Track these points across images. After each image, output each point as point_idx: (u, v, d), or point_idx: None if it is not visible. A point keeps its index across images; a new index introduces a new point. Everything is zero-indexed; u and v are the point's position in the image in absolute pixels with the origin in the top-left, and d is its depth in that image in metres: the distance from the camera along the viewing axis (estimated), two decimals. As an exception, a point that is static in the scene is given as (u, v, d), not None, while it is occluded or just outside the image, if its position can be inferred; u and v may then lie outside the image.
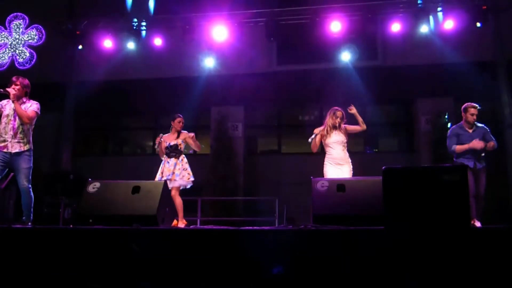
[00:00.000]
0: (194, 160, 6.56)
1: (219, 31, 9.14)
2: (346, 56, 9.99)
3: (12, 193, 8.38)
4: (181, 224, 6.06)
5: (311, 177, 4.41)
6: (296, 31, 9.77)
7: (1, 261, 3.49)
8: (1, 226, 3.88)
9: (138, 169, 10.31)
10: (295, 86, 11.76)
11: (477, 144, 5.65)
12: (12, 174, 5.56)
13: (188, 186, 6.27)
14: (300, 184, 10.68)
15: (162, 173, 6.14)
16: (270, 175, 12.08)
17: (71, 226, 4.95)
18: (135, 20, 9.71)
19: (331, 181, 4.46)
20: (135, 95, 11.88)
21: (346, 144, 6.00)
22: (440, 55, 10.76)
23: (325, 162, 5.98)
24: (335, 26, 8.99)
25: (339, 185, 4.29)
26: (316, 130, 6.04)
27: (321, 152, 6.35)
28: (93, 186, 4.56)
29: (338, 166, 5.87)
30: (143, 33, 9.54)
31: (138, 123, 14.04)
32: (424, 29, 9.14)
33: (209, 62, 10.47)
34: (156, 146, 6.25)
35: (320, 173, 5.93)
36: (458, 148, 5.80)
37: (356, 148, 6.64)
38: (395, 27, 9.15)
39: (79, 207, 4.63)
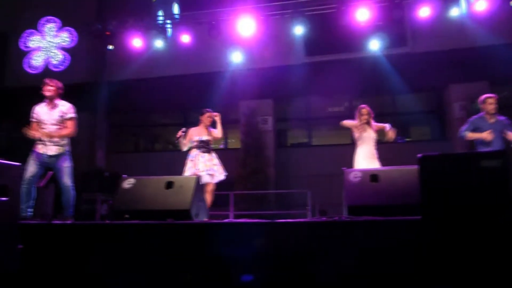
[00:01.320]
0: (224, 154, 6.60)
1: (245, 25, 9.11)
2: (374, 45, 9.81)
3: (50, 191, 8.66)
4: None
5: (343, 168, 4.36)
6: (322, 22, 9.65)
7: (43, 256, 3.60)
8: (42, 222, 4.01)
9: (169, 164, 10.41)
10: (323, 77, 11.64)
11: (487, 135, 5.61)
12: (51, 172, 5.73)
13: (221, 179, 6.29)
14: (331, 175, 10.62)
15: (194, 166, 6.11)
16: (301, 168, 12.03)
17: (107, 221, 5.08)
18: (162, 18, 9.81)
19: (364, 171, 4.40)
20: (164, 92, 12.03)
21: (376, 141, 6.13)
22: (472, 38, 10.41)
23: (356, 156, 6.01)
24: (362, 14, 8.81)
25: (372, 175, 4.22)
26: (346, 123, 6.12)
27: (352, 143, 6.32)
28: (128, 182, 4.64)
29: (369, 160, 5.94)
30: (170, 30, 9.63)
31: (168, 119, 14.23)
32: (454, 12, 8.82)
33: (236, 57, 10.48)
34: (176, 141, 6.22)
35: (351, 165, 5.92)
36: (470, 135, 5.83)
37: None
38: (424, 11, 8.86)
39: (115, 203, 4.72)
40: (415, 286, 2.90)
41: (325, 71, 11.62)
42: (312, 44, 11.62)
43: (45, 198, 8.66)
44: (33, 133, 5.02)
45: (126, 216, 4.45)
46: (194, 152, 6.21)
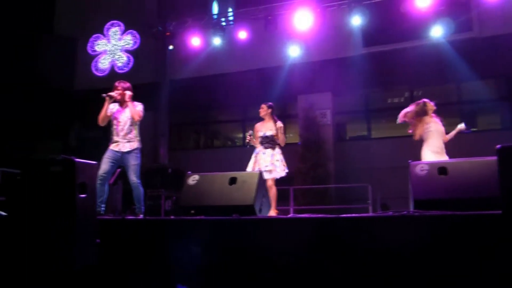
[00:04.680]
0: (283, 149, 6.56)
1: (302, 18, 9.06)
2: (436, 31, 9.39)
3: (119, 188, 9.08)
4: (273, 213, 6.10)
5: (409, 161, 4.22)
6: (381, 11, 9.39)
7: (116, 249, 3.79)
8: (116, 218, 4.22)
9: (229, 160, 10.63)
10: (382, 68, 11.33)
11: None
12: (119, 170, 6.01)
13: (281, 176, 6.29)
14: (393, 168, 10.36)
15: (256, 163, 6.13)
16: (361, 161, 11.80)
17: (172, 217, 5.27)
18: (219, 16, 9.97)
19: (431, 164, 4.23)
20: (223, 89, 12.22)
21: (444, 135, 5.96)
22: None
23: (424, 150, 5.82)
24: (423, 0, 8.48)
25: (440, 167, 4.05)
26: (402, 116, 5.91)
27: (410, 134, 6.13)
28: (193, 179, 4.77)
29: (437, 155, 5.72)
30: (228, 28, 9.77)
31: (227, 116, 14.45)
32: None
33: (293, 51, 10.43)
34: (247, 146, 6.25)
35: (414, 157, 5.71)
36: None
37: (452, 128, 6.18)
38: (492, -8, 8.39)
39: (180, 199, 4.87)
40: (494, 286, 2.77)
41: (384, 61, 11.31)
42: (370, 35, 11.34)
43: (114, 194, 9.12)
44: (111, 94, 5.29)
45: (192, 211, 4.59)
46: (258, 148, 6.24)
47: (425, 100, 6.06)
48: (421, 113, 5.94)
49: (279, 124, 6.27)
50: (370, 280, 3.22)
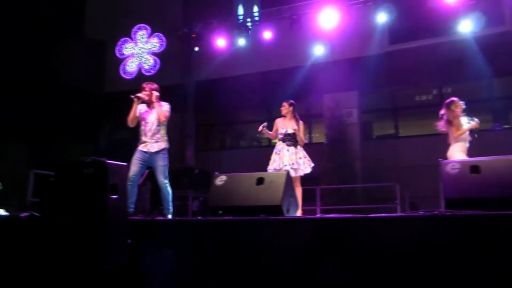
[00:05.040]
0: (309, 149, 6.53)
1: (327, 17, 9.01)
2: (466, 26, 9.16)
3: (147, 188, 9.22)
4: (299, 213, 6.08)
5: (440, 159, 4.14)
6: (407, 7, 9.24)
7: (147, 249, 3.85)
8: (146, 218, 4.29)
9: (255, 161, 10.63)
10: (410, 65, 11.14)
11: None
12: (147, 171, 6.11)
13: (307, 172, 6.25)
14: (421, 167, 10.19)
15: (279, 160, 6.11)
16: (388, 160, 11.64)
17: (199, 217, 5.32)
18: (244, 16, 10.01)
19: (463, 162, 4.14)
20: (248, 89, 12.26)
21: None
22: None
23: (453, 149, 5.72)
24: (453, -6, 8.30)
25: (473, 166, 3.96)
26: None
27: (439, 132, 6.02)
28: (220, 180, 4.80)
29: (465, 154, 5.67)
30: (253, 28, 9.80)
31: (253, 116, 14.47)
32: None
33: (318, 50, 10.38)
34: (258, 135, 6.25)
35: (443, 155, 5.60)
36: None
37: (483, 125, 6.00)
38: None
39: (208, 200, 4.92)
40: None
41: (411, 58, 11.12)
42: (397, 31, 11.15)
43: (142, 195, 9.27)
44: (138, 95, 5.38)
45: (220, 212, 4.62)
46: (280, 145, 6.22)
47: (454, 98, 5.91)
48: (454, 118, 5.80)
49: (298, 121, 6.24)
50: (399, 280, 3.18)
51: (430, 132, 11.34)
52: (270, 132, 6.28)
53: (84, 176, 3.25)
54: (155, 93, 5.47)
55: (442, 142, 5.88)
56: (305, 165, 6.11)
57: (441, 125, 5.97)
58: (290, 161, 6.03)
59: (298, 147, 6.18)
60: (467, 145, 5.76)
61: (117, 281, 3.48)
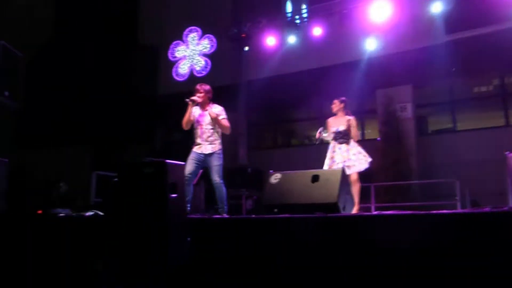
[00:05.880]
0: (362, 145, 6.40)
1: (379, 9, 8.79)
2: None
3: (202, 188, 9.41)
4: (355, 209, 5.98)
5: (507, 152, 3.93)
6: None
7: (206, 247, 3.93)
8: (203, 217, 4.38)
9: (307, 159, 10.55)
10: (468, 55, 10.63)
11: None
12: (201, 170, 6.23)
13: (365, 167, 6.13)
14: (482, 162, 9.72)
15: (331, 158, 6.07)
16: (446, 155, 11.20)
17: (253, 216, 5.36)
18: (290, 13, 9.97)
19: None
20: (299, 87, 12.19)
21: None
22: None
23: None
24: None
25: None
26: None
27: (506, 125, 5.69)
28: (275, 178, 4.83)
29: None
30: (302, 25, 9.74)
31: (304, 114, 14.38)
32: None
33: (370, 44, 10.15)
34: (317, 142, 6.21)
35: (507, 148, 5.30)
36: None
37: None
38: None
39: (262, 198, 4.95)
40: None
41: (469, 48, 10.61)
42: (453, 20, 10.68)
43: (197, 194, 9.47)
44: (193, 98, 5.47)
45: (275, 210, 4.64)
46: (332, 144, 6.17)
47: None
48: None
49: (348, 117, 6.15)
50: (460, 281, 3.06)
51: (491, 124, 10.82)
52: (326, 135, 6.23)
53: (144, 176, 3.36)
54: (208, 95, 5.57)
55: (504, 135, 5.55)
56: (360, 161, 6.00)
57: None
58: (342, 159, 5.97)
59: (351, 143, 6.09)
60: None
61: (178, 277, 3.57)
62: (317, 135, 6.18)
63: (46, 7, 16.20)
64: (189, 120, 5.53)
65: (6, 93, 6.09)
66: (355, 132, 6.13)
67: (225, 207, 5.43)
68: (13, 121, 14.21)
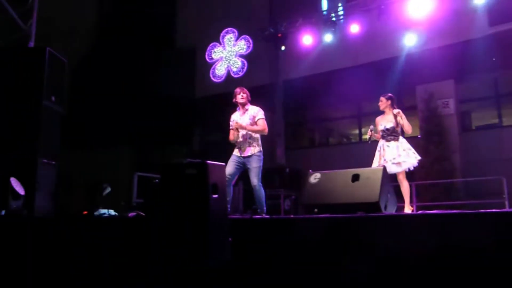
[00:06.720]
0: (405, 141, 6.26)
1: (418, 5, 8.59)
2: None
3: (240, 188, 9.49)
4: (408, 209, 5.83)
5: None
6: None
7: (246, 247, 3.94)
8: (244, 217, 4.40)
9: (345, 158, 10.44)
10: (512, 47, 10.23)
11: None
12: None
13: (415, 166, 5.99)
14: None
15: (381, 157, 5.91)
16: (492, 152, 10.80)
17: (292, 216, 5.35)
18: (326, 11, 9.88)
19: None
20: (337, 85, 12.06)
21: None
22: None
23: None
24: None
25: None
26: None
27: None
28: (314, 177, 4.78)
29: None
30: (339, 23, 9.65)
31: (342, 112, 14.23)
32: None
33: (409, 40, 9.92)
34: (369, 142, 6.10)
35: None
36: None
37: None
38: None
39: (302, 198, 4.93)
40: None
41: (514, 40, 10.21)
42: (497, 12, 10.29)
43: (235, 195, 9.56)
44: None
45: (315, 210, 4.60)
46: (380, 142, 6.04)
47: None
48: None
49: (396, 111, 5.99)
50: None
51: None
52: (377, 135, 6.12)
53: (186, 177, 3.40)
54: (248, 98, 5.64)
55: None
56: (410, 157, 5.83)
57: None
58: (391, 156, 5.82)
59: (400, 139, 5.95)
60: None
61: (220, 278, 3.60)
62: (368, 133, 6.07)
63: (90, 16, 16.82)
64: (234, 138, 5.61)
65: (53, 98, 6.32)
66: (406, 123, 5.98)
67: (264, 208, 5.43)
68: (59, 125, 14.76)
